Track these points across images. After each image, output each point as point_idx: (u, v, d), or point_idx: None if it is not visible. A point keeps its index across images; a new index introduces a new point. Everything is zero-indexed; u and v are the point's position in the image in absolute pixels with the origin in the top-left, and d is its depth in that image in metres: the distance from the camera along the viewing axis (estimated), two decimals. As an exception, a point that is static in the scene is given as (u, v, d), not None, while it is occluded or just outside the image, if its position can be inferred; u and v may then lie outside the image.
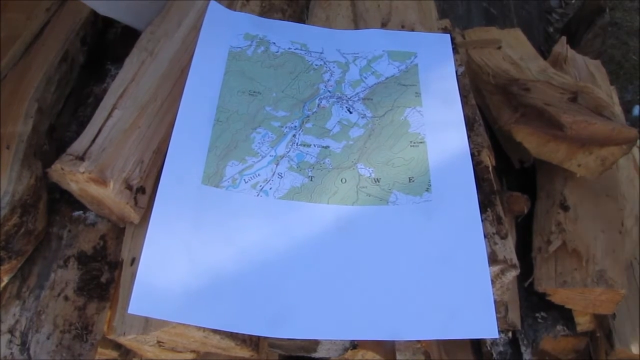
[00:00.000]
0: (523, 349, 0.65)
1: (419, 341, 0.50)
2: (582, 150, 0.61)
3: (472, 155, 0.52)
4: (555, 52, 0.79)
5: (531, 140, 0.64)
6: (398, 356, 0.52)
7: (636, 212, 0.70)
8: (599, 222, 0.61)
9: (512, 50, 0.79)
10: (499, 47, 0.78)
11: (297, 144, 0.53)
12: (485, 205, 0.50)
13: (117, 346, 0.52)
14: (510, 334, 0.67)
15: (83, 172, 0.48)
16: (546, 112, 0.60)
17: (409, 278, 0.46)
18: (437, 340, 0.57)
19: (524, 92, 0.66)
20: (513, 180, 0.68)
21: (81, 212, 0.56)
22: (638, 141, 0.63)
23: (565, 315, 0.66)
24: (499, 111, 0.69)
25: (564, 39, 0.81)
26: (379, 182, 0.51)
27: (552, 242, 0.64)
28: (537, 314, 0.66)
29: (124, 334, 0.46)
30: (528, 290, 0.65)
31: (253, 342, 0.49)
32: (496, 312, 0.44)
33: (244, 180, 0.50)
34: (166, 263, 0.45)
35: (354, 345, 0.51)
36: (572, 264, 0.61)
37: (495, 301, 0.45)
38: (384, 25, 0.64)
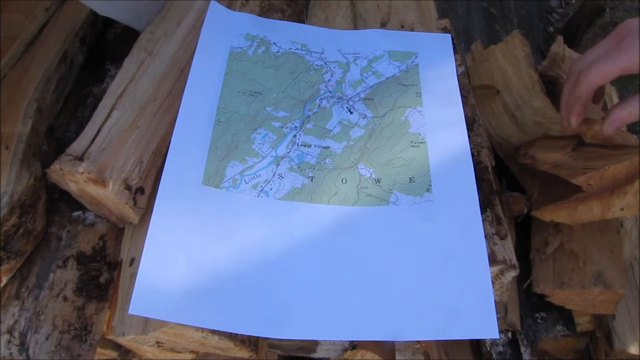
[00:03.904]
0: (523, 349, 0.65)
1: (418, 341, 0.50)
2: (615, 195, 0.55)
3: (472, 155, 0.52)
4: (553, 52, 0.79)
5: (560, 215, 0.59)
6: (397, 356, 0.52)
7: (636, 213, 0.69)
8: (597, 222, 0.61)
9: (507, 90, 0.74)
10: (498, 92, 0.74)
11: (297, 144, 0.53)
12: (484, 205, 0.50)
13: (117, 346, 0.52)
14: (509, 335, 0.67)
15: (82, 173, 0.48)
16: (559, 177, 0.56)
17: (409, 278, 0.46)
18: (437, 341, 0.57)
19: (531, 161, 0.61)
20: (513, 181, 0.68)
21: (80, 212, 0.56)
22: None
23: (565, 316, 0.66)
24: (522, 183, 0.65)
25: (560, 38, 0.80)
26: (379, 182, 0.51)
27: (550, 243, 0.64)
28: (537, 315, 0.66)
29: (123, 334, 0.46)
30: (528, 291, 0.65)
31: (252, 342, 0.49)
32: (496, 313, 0.44)
33: (245, 180, 0.50)
34: (167, 263, 0.45)
35: (354, 345, 0.51)
36: (570, 265, 0.61)
37: (495, 301, 0.45)
38: (383, 25, 0.64)
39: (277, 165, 0.51)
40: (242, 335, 0.46)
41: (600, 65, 0.50)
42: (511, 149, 0.67)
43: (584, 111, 0.54)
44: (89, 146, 0.50)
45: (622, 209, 0.56)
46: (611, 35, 0.52)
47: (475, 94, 0.61)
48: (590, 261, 0.60)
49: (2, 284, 0.51)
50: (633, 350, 0.64)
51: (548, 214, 0.60)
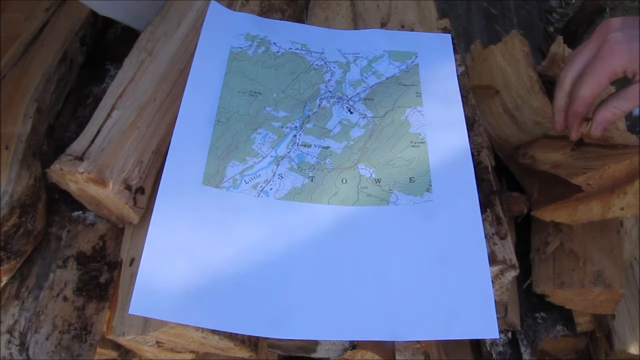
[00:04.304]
0: (523, 349, 0.65)
1: (418, 341, 0.50)
2: (615, 195, 0.55)
3: (472, 155, 0.52)
4: (552, 52, 0.79)
5: (560, 215, 0.59)
6: (398, 356, 0.52)
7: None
8: (597, 222, 0.61)
9: (507, 90, 0.74)
10: (497, 92, 0.74)
11: (297, 144, 0.53)
12: (484, 205, 0.50)
13: (117, 346, 0.52)
14: (509, 335, 0.67)
15: (82, 173, 0.48)
16: (559, 177, 0.56)
17: (409, 278, 0.46)
18: (437, 341, 0.57)
19: (530, 161, 0.61)
20: (512, 181, 0.68)
21: (80, 212, 0.56)
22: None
23: (565, 316, 0.66)
24: (522, 183, 0.65)
25: (560, 38, 0.81)
26: (379, 182, 0.51)
27: (550, 243, 0.64)
28: (537, 315, 0.66)
29: (123, 334, 0.46)
30: (528, 291, 0.65)
31: (252, 342, 0.49)
32: (496, 313, 0.44)
33: (245, 180, 0.50)
34: (167, 263, 0.45)
35: (354, 345, 0.51)
36: (570, 265, 0.61)
37: (495, 301, 0.45)
38: (383, 25, 0.64)
39: (277, 165, 0.51)
40: (242, 335, 0.46)
41: (588, 80, 0.51)
42: (511, 149, 0.67)
43: (584, 125, 0.55)
44: (89, 146, 0.50)
45: (622, 209, 0.56)
46: (592, 38, 0.52)
47: (475, 94, 0.61)
48: (590, 261, 0.60)
49: (2, 284, 0.51)
50: (633, 350, 0.64)
51: (548, 214, 0.60)
